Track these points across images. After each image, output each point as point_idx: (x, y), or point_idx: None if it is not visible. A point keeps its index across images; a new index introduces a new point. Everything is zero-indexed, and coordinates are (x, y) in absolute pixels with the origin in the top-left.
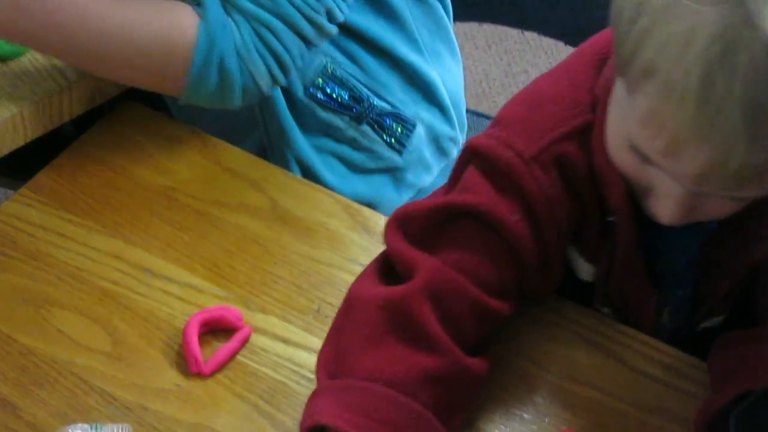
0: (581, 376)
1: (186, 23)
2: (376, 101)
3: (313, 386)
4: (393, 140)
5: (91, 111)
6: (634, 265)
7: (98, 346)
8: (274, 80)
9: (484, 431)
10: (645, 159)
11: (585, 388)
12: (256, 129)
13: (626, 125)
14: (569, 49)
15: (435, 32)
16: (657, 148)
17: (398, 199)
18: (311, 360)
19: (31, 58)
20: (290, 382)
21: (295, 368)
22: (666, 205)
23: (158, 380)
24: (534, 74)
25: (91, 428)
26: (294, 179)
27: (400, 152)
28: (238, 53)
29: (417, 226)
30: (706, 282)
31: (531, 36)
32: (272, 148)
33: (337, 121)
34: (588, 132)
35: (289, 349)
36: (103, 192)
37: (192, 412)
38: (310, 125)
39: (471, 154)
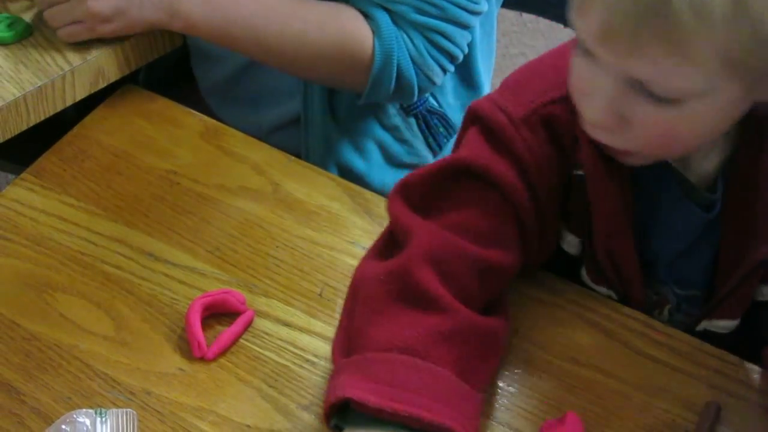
0: (583, 358)
1: (361, 37)
2: (430, 98)
3: (316, 369)
4: (432, 140)
5: (93, 95)
6: (619, 238)
7: (101, 330)
8: (446, 71)
9: (486, 414)
10: (584, 54)
11: (587, 370)
12: (295, 97)
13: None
14: (567, 32)
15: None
16: (575, 7)
17: None
18: (314, 343)
19: (34, 43)
20: (293, 365)
21: (298, 352)
22: (594, 103)
23: (161, 364)
24: (531, 56)
25: (96, 413)
26: (296, 163)
27: (435, 153)
28: (413, 62)
29: (417, 192)
30: (710, 280)
31: (529, 18)
32: (307, 120)
33: (388, 104)
34: None
35: (292, 332)
36: (105, 176)
37: (195, 396)
38: (360, 105)
39: (472, 117)
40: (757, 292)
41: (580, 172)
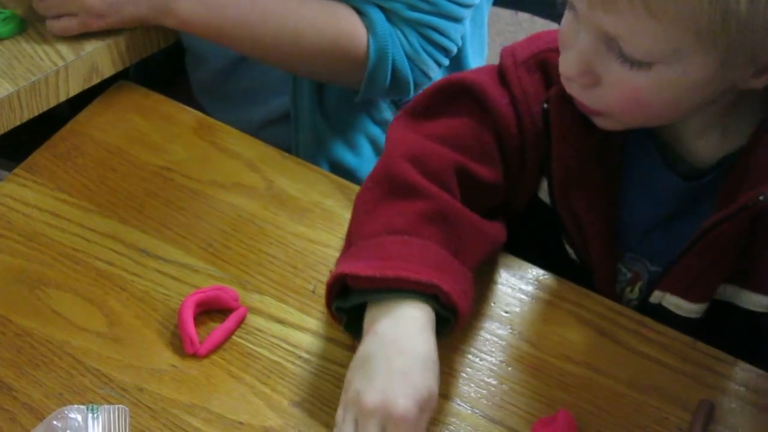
0: (576, 356)
1: (355, 34)
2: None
3: (308, 366)
4: None
5: (87, 91)
6: (579, 190)
7: (94, 326)
8: (441, 66)
9: (479, 412)
10: (569, 9)
11: (580, 368)
12: (284, 93)
13: None
14: None
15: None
16: None
17: None
18: (307, 340)
19: (27, 38)
20: (286, 362)
21: (291, 348)
22: (569, 56)
23: (154, 361)
24: None
25: (87, 409)
26: (290, 159)
27: None
28: (408, 58)
29: (420, 105)
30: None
31: (524, 17)
32: (297, 115)
33: (380, 100)
34: None
35: (285, 329)
36: (99, 172)
37: (187, 393)
38: (350, 100)
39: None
40: (735, 294)
41: (545, 105)
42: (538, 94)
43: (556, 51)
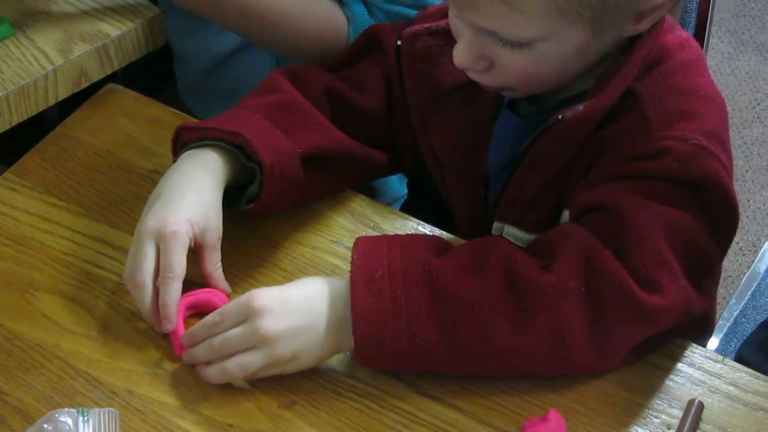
0: None
1: (336, 27)
2: None
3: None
4: None
5: (76, 95)
6: (427, 123)
7: (83, 330)
8: None
9: (469, 412)
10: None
11: None
12: None
13: None
14: None
15: None
16: None
17: (400, 188)
18: None
19: (16, 42)
20: None
21: None
22: (458, 47)
23: (144, 364)
24: None
25: (78, 412)
26: None
27: None
28: None
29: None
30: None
31: None
32: None
33: None
34: None
35: None
36: (88, 175)
37: (177, 396)
38: None
39: None
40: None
41: (399, 42)
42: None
43: None
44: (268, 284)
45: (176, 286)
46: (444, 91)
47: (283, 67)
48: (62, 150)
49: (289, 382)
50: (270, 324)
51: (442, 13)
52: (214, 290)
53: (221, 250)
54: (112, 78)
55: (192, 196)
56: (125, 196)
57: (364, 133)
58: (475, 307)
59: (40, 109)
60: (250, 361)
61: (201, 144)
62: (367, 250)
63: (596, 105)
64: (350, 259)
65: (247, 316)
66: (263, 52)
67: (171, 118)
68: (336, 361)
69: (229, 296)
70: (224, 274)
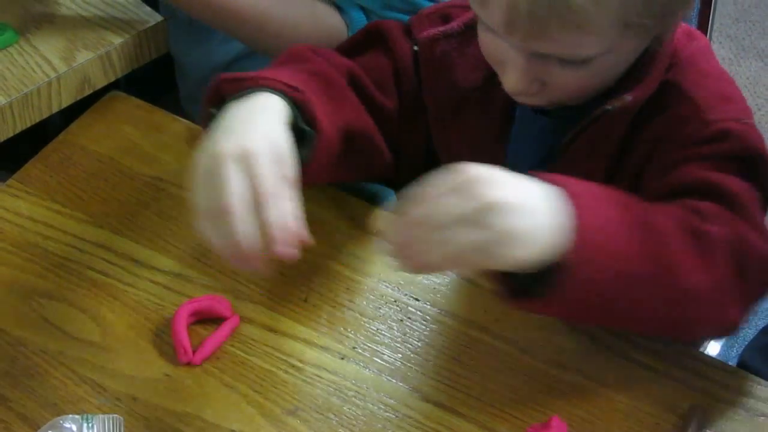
0: (568, 362)
1: (335, 33)
2: None
3: (301, 375)
4: None
5: (79, 102)
6: (446, 131)
7: (87, 336)
8: None
9: (473, 418)
10: (488, 29)
11: (572, 374)
12: None
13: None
14: None
15: None
16: (477, 2)
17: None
18: (299, 348)
19: (20, 50)
20: (278, 371)
21: (284, 357)
22: (509, 73)
23: (147, 370)
24: None
25: (82, 419)
26: None
27: None
28: None
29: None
30: None
31: None
32: None
33: None
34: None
35: (278, 338)
36: (91, 182)
37: (181, 402)
38: None
39: None
40: None
41: (415, 48)
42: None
43: (460, 8)
44: (272, 291)
45: (288, 204)
46: (462, 94)
47: (299, 44)
48: (65, 157)
49: (292, 389)
50: (493, 191)
51: (442, 14)
52: (217, 297)
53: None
54: (115, 85)
55: (262, 127)
56: (128, 203)
57: (377, 124)
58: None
59: (44, 117)
60: (465, 236)
61: (252, 91)
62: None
63: (640, 94)
64: None
65: (462, 185)
66: (264, 62)
67: (174, 125)
68: (339, 367)
69: (231, 304)
70: (228, 281)
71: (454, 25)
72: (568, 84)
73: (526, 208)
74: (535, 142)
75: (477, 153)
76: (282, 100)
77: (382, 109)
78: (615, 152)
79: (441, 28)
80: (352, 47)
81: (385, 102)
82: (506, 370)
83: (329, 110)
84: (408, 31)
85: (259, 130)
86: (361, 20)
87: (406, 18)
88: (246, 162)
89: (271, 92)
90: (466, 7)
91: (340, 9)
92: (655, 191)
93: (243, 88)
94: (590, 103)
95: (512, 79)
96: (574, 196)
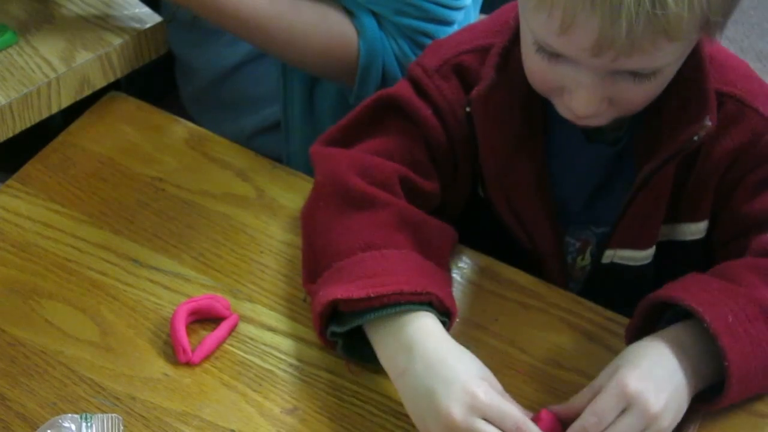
0: (567, 362)
1: (347, 39)
2: None
3: (300, 374)
4: None
5: (79, 102)
6: (512, 176)
7: (86, 336)
8: None
9: None
10: (551, 55)
11: (570, 374)
12: (275, 102)
13: (528, 25)
14: None
15: None
16: (553, 29)
17: None
18: (298, 348)
19: (19, 50)
20: (277, 370)
21: (283, 356)
22: (580, 97)
23: (146, 370)
24: None
25: (81, 418)
26: (280, 169)
27: None
28: (398, 61)
29: (338, 130)
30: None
31: None
32: (287, 125)
33: None
34: (488, 50)
35: (276, 337)
36: (91, 183)
37: (180, 401)
38: (341, 108)
39: (406, 73)
40: (672, 231)
41: (468, 109)
42: (459, 98)
43: (467, 53)
44: (271, 290)
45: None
46: (513, 139)
47: (336, 163)
48: (65, 157)
49: (291, 388)
50: (654, 402)
51: (453, 65)
52: (216, 296)
53: (225, 258)
54: (114, 86)
55: (457, 363)
56: (128, 203)
57: (428, 209)
58: None
59: (43, 117)
60: None
61: (387, 311)
62: (703, 302)
63: (714, 114)
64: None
65: (628, 403)
66: (270, 65)
67: (173, 125)
68: (337, 366)
69: (230, 304)
70: (227, 280)
71: (491, 70)
72: (636, 98)
73: (676, 392)
74: (586, 169)
75: (531, 192)
76: (429, 314)
77: (433, 194)
78: (682, 174)
79: (488, 82)
80: (372, 125)
81: (431, 187)
82: (506, 369)
83: (440, 275)
84: (420, 91)
85: (463, 370)
86: (372, 27)
87: (419, 24)
88: (483, 410)
89: (412, 310)
90: (477, 51)
91: (351, 14)
92: (749, 217)
93: (369, 306)
94: (652, 129)
95: (583, 102)
96: (718, 335)
